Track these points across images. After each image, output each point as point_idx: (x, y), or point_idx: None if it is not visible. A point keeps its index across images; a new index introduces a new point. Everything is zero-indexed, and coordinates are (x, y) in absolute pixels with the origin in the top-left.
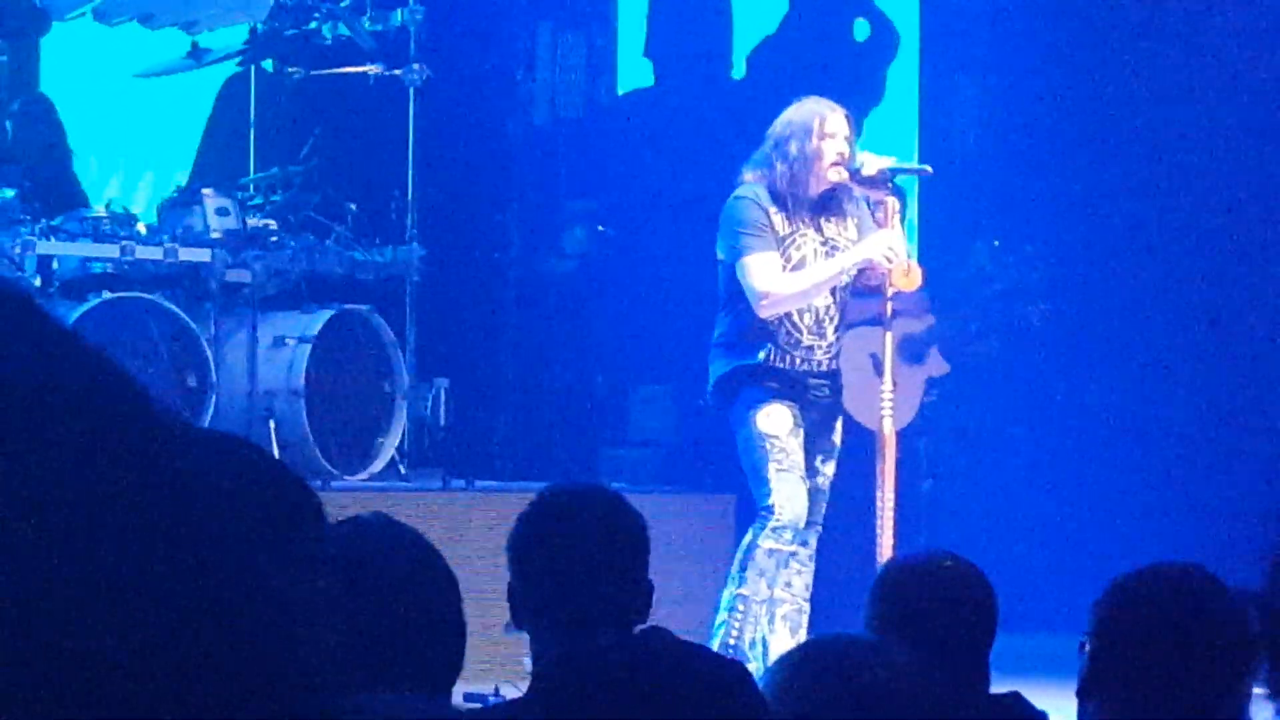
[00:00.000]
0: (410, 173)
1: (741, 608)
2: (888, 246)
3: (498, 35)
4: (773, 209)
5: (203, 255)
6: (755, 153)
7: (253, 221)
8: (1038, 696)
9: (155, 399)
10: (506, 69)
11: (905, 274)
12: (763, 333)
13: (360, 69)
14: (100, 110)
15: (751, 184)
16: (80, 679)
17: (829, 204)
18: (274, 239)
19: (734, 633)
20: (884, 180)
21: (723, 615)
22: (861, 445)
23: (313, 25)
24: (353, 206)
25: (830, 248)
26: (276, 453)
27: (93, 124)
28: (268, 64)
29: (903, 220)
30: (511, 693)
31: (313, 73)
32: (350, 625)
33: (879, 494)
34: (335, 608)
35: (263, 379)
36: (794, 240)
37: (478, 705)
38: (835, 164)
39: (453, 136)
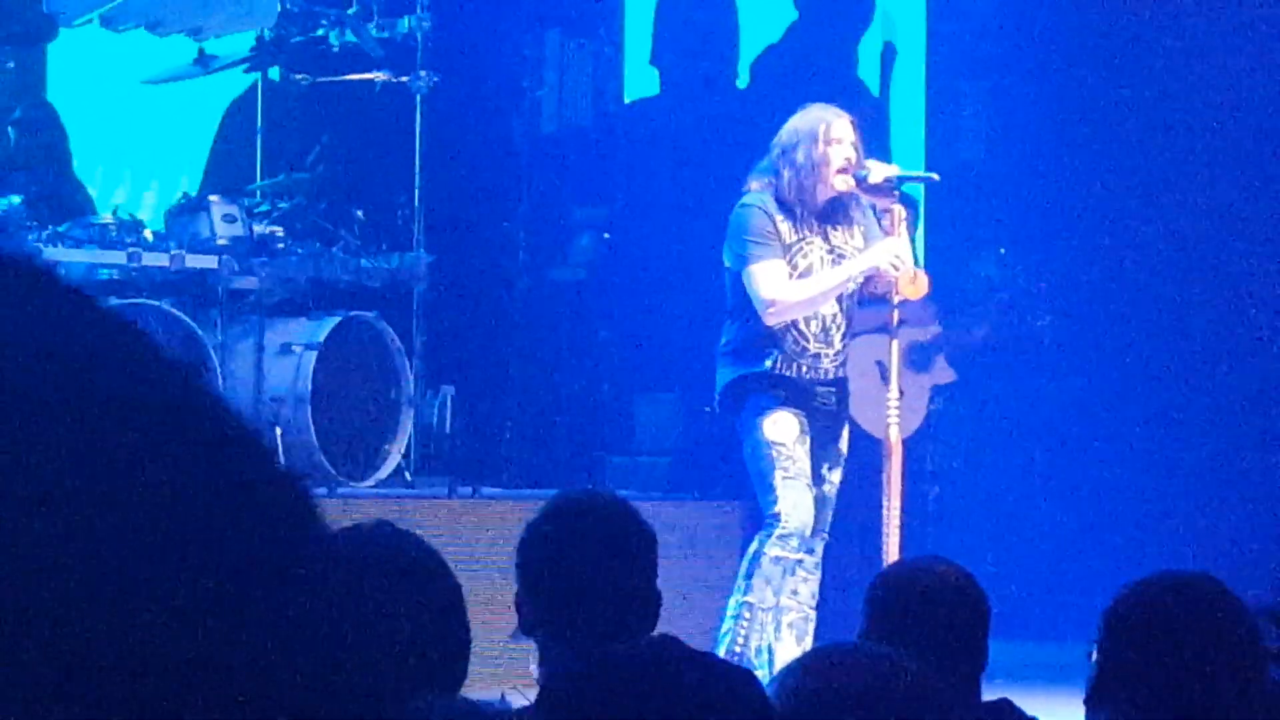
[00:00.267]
0: (417, 180)
1: (748, 615)
2: (894, 254)
3: (505, 43)
4: (779, 217)
5: (210, 262)
6: (761, 161)
7: (259, 228)
8: (1044, 704)
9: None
10: (513, 76)
11: (912, 282)
12: (769, 340)
13: (367, 76)
14: (107, 117)
15: (758, 192)
16: (147, 685)
17: (836, 212)
18: (281, 246)
19: (740, 640)
20: (890, 188)
21: (728, 623)
22: (868, 453)
23: (320, 32)
24: (359, 213)
25: (837, 255)
26: (282, 459)
27: (100, 130)
28: (274, 71)
29: (911, 229)
30: (518, 700)
31: (320, 80)
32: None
33: (885, 502)
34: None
35: (269, 385)
36: (800, 248)
37: None
38: (842, 170)
39: (459, 144)
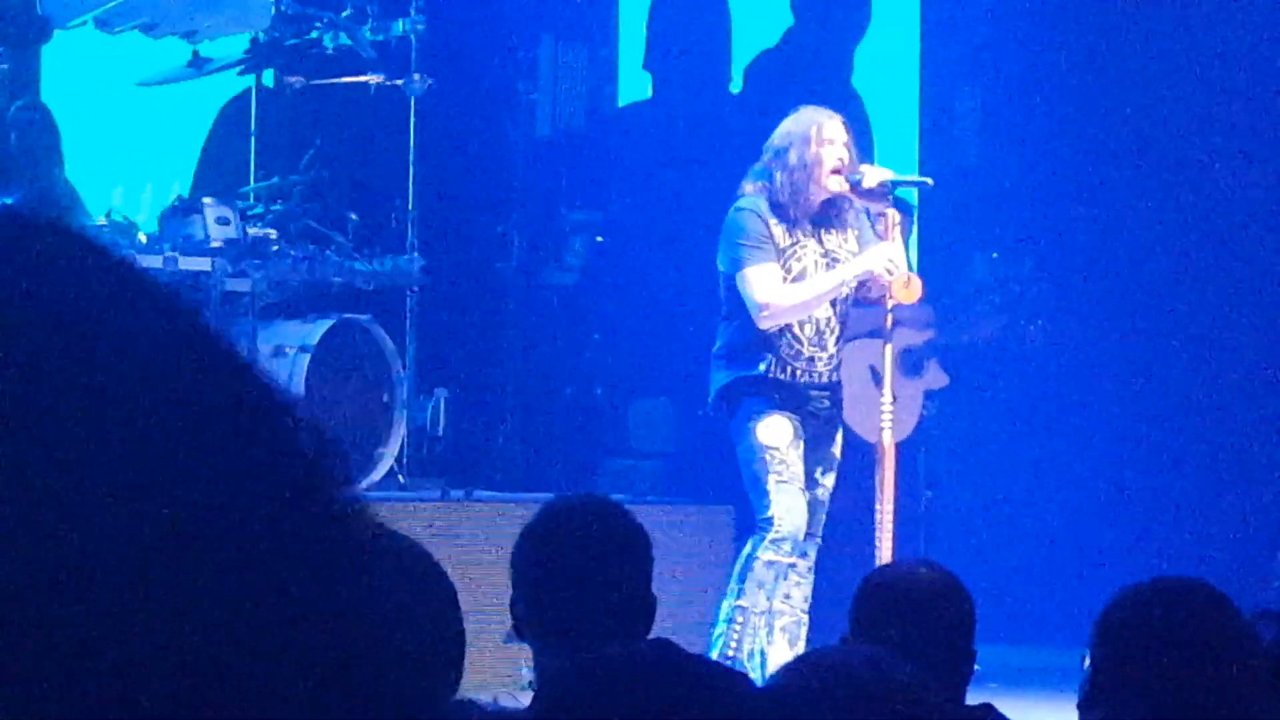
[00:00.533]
0: (411, 183)
1: (740, 619)
2: (888, 258)
3: (499, 46)
4: (773, 221)
5: (203, 264)
6: (755, 164)
7: (253, 231)
8: (1038, 709)
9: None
10: (508, 80)
11: (905, 286)
12: (764, 344)
13: (361, 79)
14: (102, 118)
15: (752, 196)
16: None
17: (829, 216)
18: (274, 248)
19: (733, 644)
20: (884, 192)
21: (721, 627)
22: (861, 457)
23: (314, 35)
24: (353, 216)
25: (831, 259)
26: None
27: (94, 132)
28: (269, 74)
29: (906, 234)
30: (511, 704)
31: (314, 82)
32: None
33: (878, 506)
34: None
35: None
36: (794, 252)
37: None
38: (836, 171)
39: (453, 147)
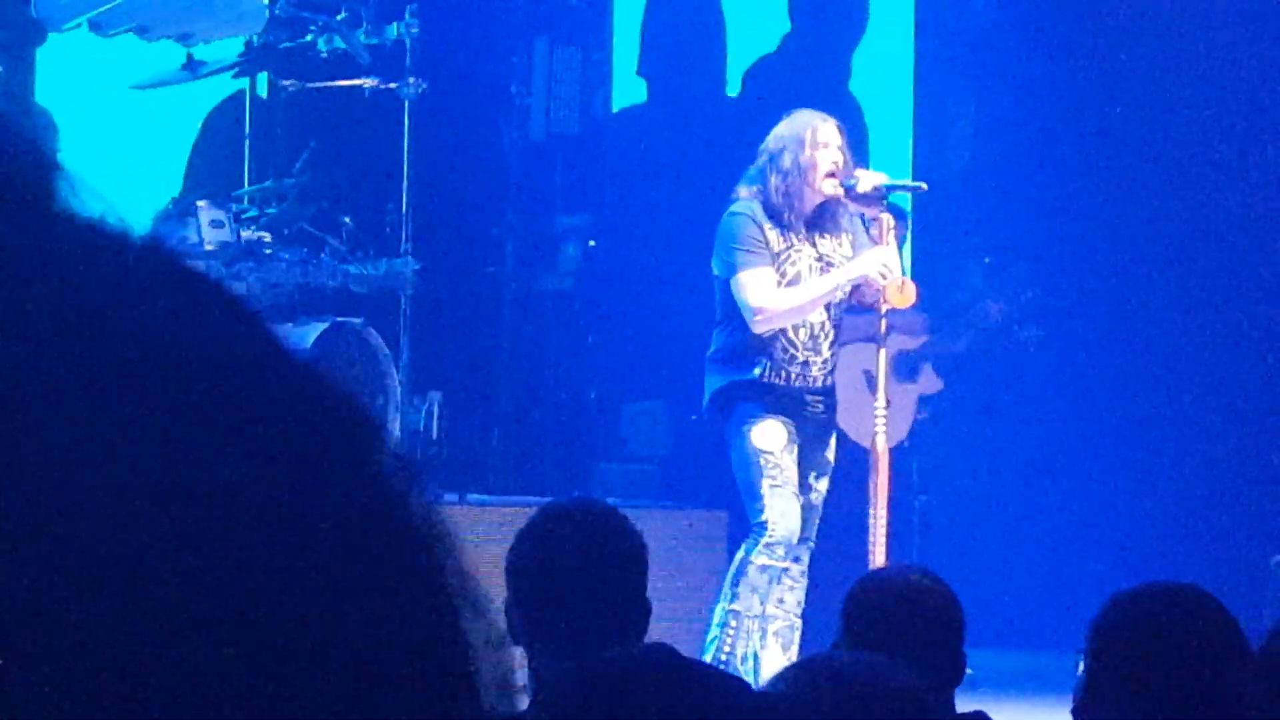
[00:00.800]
0: (405, 186)
1: (734, 623)
2: (882, 263)
3: (493, 49)
4: (767, 225)
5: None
6: (749, 168)
7: (247, 234)
8: (1032, 713)
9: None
10: (502, 83)
11: (900, 290)
12: (758, 348)
13: (355, 82)
14: (96, 122)
15: (746, 200)
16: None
17: (823, 220)
18: (268, 251)
19: (726, 648)
20: (879, 197)
21: (715, 631)
22: (854, 462)
23: (308, 38)
24: (347, 219)
25: (825, 264)
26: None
27: (88, 135)
28: (263, 77)
29: (900, 239)
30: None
31: (308, 85)
32: None
33: (872, 510)
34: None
35: None
36: (789, 256)
37: None
38: (830, 174)
39: (448, 150)
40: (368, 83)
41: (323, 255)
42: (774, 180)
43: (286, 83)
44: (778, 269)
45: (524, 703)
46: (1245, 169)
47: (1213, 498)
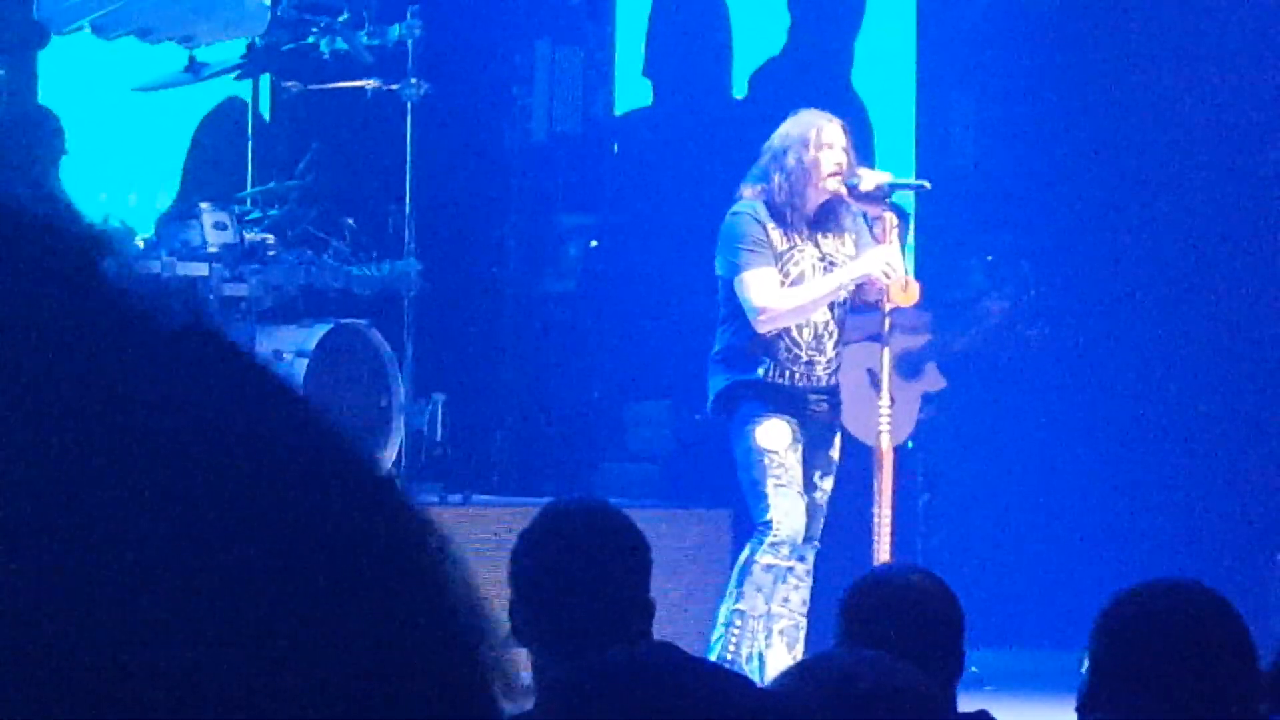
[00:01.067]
0: (408, 187)
1: (739, 623)
2: (885, 262)
3: (495, 50)
4: (771, 225)
5: (200, 270)
6: (753, 167)
7: (250, 236)
8: (1037, 712)
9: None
10: (504, 84)
11: (903, 289)
12: (762, 348)
13: (358, 83)
14: (98, 124)
15: (750, 200)
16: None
17: (826, 220)
18: (271, 253)
19: (731, 647)
20: (882, 196)
21: (720, 630)
22: (858, 460)
23: (310, 40)
24: (350, 221)
25: (828, 263)
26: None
27: (91, 138)
28: (265, 78)
29: (903, 239)
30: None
31: (310, 87)
32: None
33: (876, 509)
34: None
35: None
36: (792, 256)
37: None
38: (833, 174)
39: (450, 151)
40: (370, 84)
41: (326, 257)
42: (777, 179)
43: (289, 84)
44: (781, 269)
45: (528, 703)
46: (1247, 167)
47: (1218, 495)
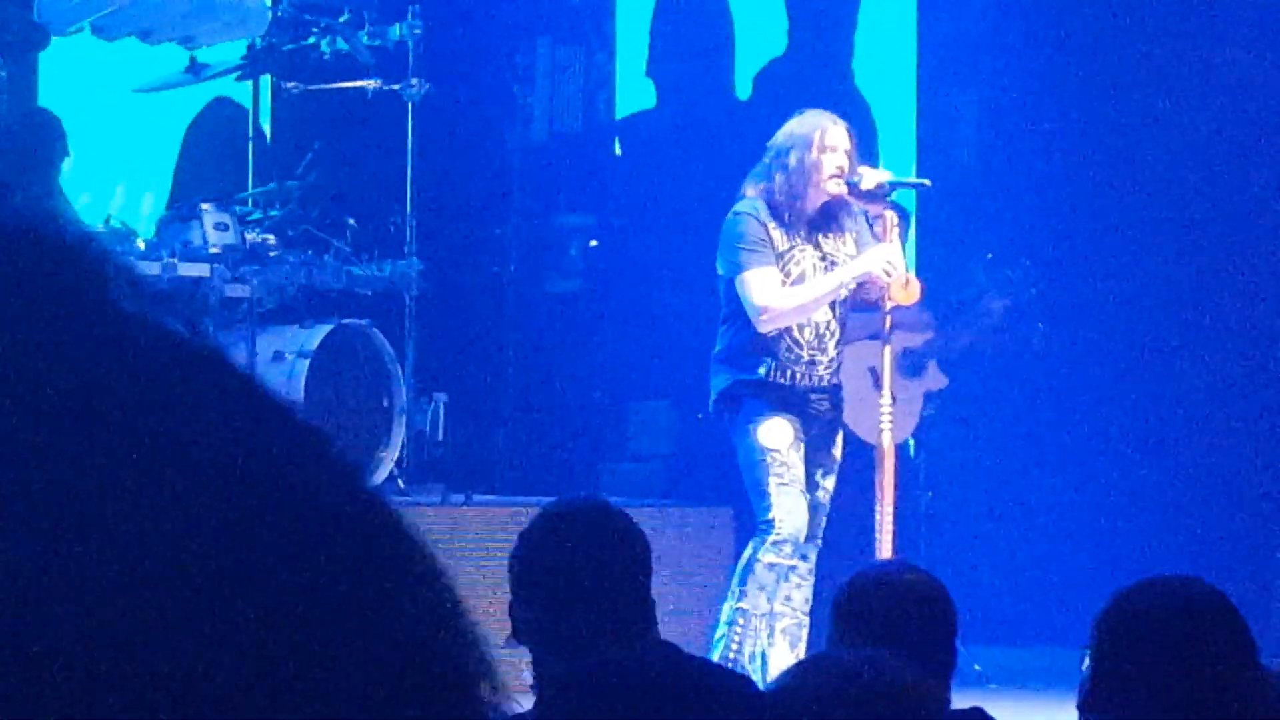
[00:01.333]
0: (409, 187)
1: (741, 621)
2: (886, 260)
3: (496, 50)
4: (772, 224)
5: (201, 270)
6: (756, 165)
7: (251, 236)
8: (1038, 710)
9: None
10: (505, 84)
11: (904, 287)
12: (763, 347)
13: (359, 84)
14: (99, 125)
15: (751, 199)
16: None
17: (827, 219)
18: (273, 254)
19: (734, 646)
20: (882, 194)
21: (722, 629)
22: (860, 459)
23: (311, 40)
24: (351, 221)
25: (829, 262)
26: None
27: (91, 139)
28: (266, 79)
29: (903, 237)
30: (512, 708)
31: (311, 87)
32: None
33: (878, 507)
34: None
35: None
36: (793, 255)
37: None
38: (834, 177)
39: (451, 151)
40: (371, 84)
41: (327, 257)
42: (778, 178)
43: (290, 85)
44: (782, 268)
45: (530, 702)
46: (1249, 166)
47: (1219, 493)
